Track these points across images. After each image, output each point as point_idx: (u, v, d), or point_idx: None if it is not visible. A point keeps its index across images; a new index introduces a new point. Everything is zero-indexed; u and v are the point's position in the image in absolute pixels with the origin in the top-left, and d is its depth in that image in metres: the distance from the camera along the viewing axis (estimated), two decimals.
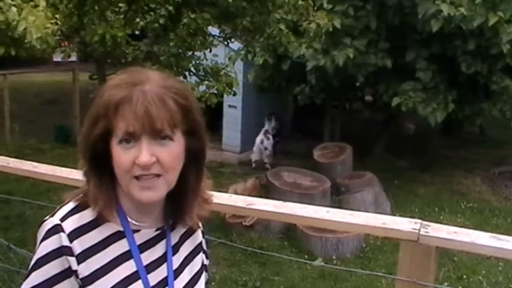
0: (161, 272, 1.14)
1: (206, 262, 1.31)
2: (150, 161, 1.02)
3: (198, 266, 1.25)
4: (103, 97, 1.05)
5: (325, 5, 7.55)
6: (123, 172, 1.04)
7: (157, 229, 1.15)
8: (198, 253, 1.27)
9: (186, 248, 1.23)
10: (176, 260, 1.18)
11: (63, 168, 2.42)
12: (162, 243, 1.16)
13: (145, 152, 1.02)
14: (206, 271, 1.32)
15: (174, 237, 1.19)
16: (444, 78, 7.83)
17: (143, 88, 1.03)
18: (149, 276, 1.11)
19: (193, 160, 1.12)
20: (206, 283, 1.29)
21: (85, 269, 1.05)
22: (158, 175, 1.05)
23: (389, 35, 7.90)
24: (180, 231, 1.21)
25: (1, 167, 2.64)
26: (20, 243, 3.24)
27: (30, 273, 1.05)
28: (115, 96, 1.03)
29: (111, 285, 1.06)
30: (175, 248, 1.19)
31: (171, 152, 1.05)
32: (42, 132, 10.29)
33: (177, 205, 1.15)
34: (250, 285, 5.22)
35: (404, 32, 7.91)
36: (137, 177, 1.04)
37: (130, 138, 1.02)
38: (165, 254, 1.16)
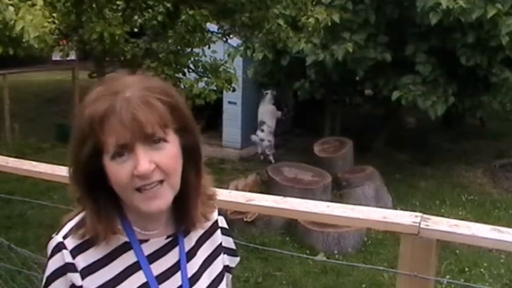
0: (174, 281, 1.10)
1: (227, 262, 1.23)
2: (149, 169, 0.96)
3: (219, 269, 1.20)
4: (84, 115, 0.98)
5: (323, 0, 7.53)
6: (123, 188, 0.99)
7: (168, 237, 1.11)
8: (218, 255, 1.21)
9: (203, 252, 1.17)
10: (193, 267, 1.13)
11: (63, 167, 2.41)
12: (175, 251, 1.11)
13: (143, 161, 0.96)
14: (229, 271, 1.25)
15: (189, 243, 1.14)
16: (443, 71, 7.82)
17: (125, 95, 0.97)
18: (161, 286, 1.07)
19: (190, 157, 1.06)
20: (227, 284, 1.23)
21: (90, 283, 1.03)
22: (161, 181, 0.99)
23: (388, 29, 7.88)
24: (196, 235, 1.16)
25: (1, 167, 2.64)
26: (21, 243, 3.25)
27: None
28: (97, 110, 0.96)
29: None
30: (190, 254, 1.13)
31: (169, 154, 0.99)
32: (42, 131, 10.29)
33: (181, 206, 1.09)
34: (252, 281, 5.22)
35: (403, 25, 7.89)
36: (139, 189, 0.98)
37: (123, 150, 0.96)
38: (178, 262, 1.11)
